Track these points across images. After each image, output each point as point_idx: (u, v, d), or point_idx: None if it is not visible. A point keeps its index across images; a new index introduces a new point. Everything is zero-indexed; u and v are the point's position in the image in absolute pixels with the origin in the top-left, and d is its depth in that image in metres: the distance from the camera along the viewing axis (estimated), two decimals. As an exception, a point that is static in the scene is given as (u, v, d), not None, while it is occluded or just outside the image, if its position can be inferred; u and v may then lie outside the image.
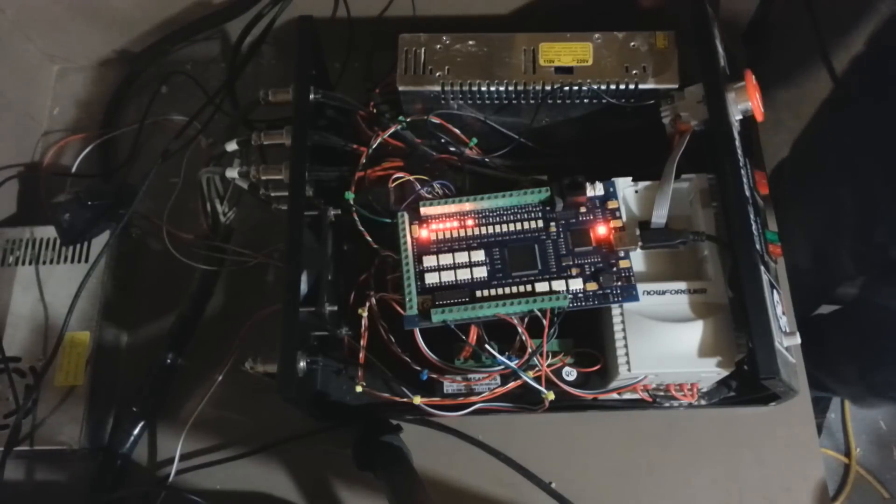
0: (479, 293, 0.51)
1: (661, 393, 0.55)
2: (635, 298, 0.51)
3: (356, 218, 0.55)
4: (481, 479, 0.62)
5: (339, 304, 0.56)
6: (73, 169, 0.76)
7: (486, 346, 0.52)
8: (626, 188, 0.55)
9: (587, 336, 0.55)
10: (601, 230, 0.53)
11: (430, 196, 0.56)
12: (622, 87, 0.57)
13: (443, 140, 0.60)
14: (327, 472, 0.63)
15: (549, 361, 0.53)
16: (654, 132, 0.58)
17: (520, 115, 0.61)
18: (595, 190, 0.54)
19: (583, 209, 0.54)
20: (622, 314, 0.51)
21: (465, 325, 0.52)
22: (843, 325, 0.91)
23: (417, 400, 0.52)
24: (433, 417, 0.59)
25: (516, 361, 0.51)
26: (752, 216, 0.52)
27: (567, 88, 0.58)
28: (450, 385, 0.55)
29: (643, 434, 0.63)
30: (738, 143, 0.54)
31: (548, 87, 0.58)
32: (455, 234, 0.54)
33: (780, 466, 0.62)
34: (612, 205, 0.54)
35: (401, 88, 0.59)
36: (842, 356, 0.90)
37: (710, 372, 0.51)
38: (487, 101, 0.60)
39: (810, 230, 0.81)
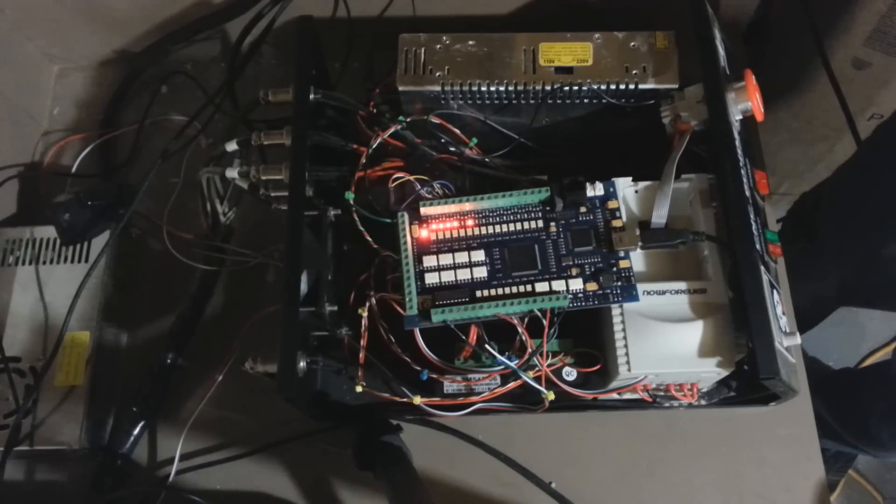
0: (479, 293, 0.51)
1: (661, 393, 0.55)
2: (635, 298, 0.51)
3: (356, 218, 0.55)
4: (481, 479, 0.62)
5: (339, 304, 0.56)
6: (73, 169, 0.76)
7: (486, 346, 0.52)
8: (626, 188, 0.55)
9: (587, 336, 0.55)
10: (601, 230, 0.53)
11: (430, 196, 0.56)
12: (622, 87, 0.57)
13: (443, 140, 0.60)
14: (327, 472, 0.63)
15: (549, 361, 0.53)
16: (654, 132, 0.58)
17: (520, 115, 0.61)
18: (595, 190, 0.54)
19: (583, 209, 0.54)
20: (622, 314, 0.51)
21: (465, 325, 0.52)
22: (879, 383, 0.90)
23: (417, 400, 0.52)
24: (433, 417, 0.59)
25: (516, 361, 0.51)
26: (752, 216, 0.52)
27: (567, 88, 0.58)
28: (450, 385, 0.55)
29: (643, 434, 0.63)
30: (738, 143, 0.54)
31: (548, 87, 0.58)
32: (455, 234, 0.54)
33: (780, 466, 0.62)
34: (612, 205, 0.54)
35: (401, 88, 0.59)
36: (877, 416, 0.88)
37: (710, 372, 0.51)
38: (487, 101, 0.60)
39: (843, 260, 0.78)
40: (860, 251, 0.74)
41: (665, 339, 0.50)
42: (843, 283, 0.81)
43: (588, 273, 0.52)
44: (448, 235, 0.54)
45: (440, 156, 0.59)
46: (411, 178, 0.56)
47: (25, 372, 0.65)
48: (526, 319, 0.52)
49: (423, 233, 0.54)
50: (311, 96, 0.58)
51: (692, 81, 0.56)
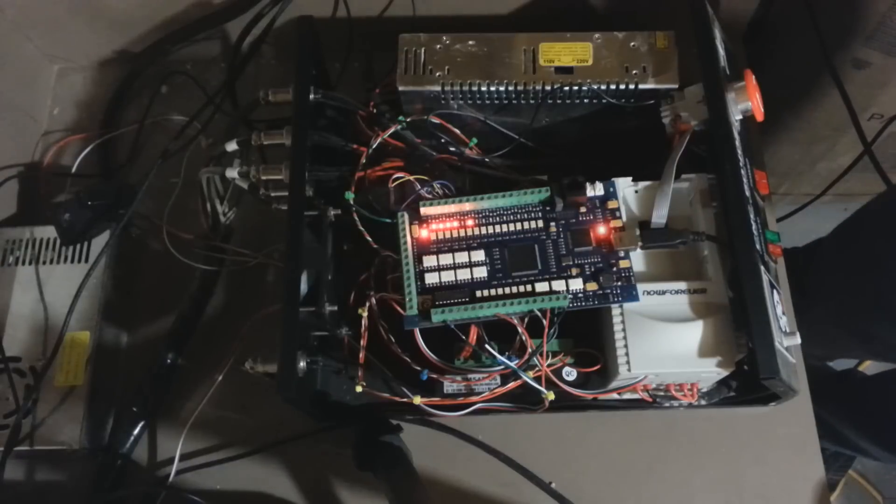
0: (479, 293, 0.51)
1: (661, 393, 0.55)
2: (635, 298, 0.51)
3: (356, 218, 0.55)
4: (481, 479, 0.62)
5: (339, 304, 0.56)
6: (73, 169, 0.76)
7: (486, 346, 0.52)
8: (626, 188, 0.55)
9: (587, 336, 0.55)
10: (601, 230, 0.53)
11: (430, 196, 0.56)
12: (622, 87, 0.57)
13: (443, 140, 0.60)
14: (327, 472, 0.63)
15: (549, 361, 0.53)
16: (654, 132, 0.58)
17: (520, 115, 0.61)
18: (595, 190, 0.54)
19: (583, 209, 0.54)
20: (622, 314, 0.51)
21: (465, 325, 0.52)
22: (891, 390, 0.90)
23: (417, 400, 0.52)
24: (433, 417, 0.59)
25: (516, 361, 0.51)
26: (752, 216, 0.52)
27: (567, 88, 0.58)
28: (450, 385, 0.55)
29: (643, 434, 0.63)
30: (738, 143, 0.54)
31: (548, 87, 0.58)
32: (455, 234, 0.54)
33: (780, 466, 0.62)
34: (612, 205, 0.54)
35: (401, 88, 0.59)
36: (889, 422, 0.88)
37: (710, 372, 0.51)
38: (487, 101, 0.60)
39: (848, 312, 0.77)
40: (855, 319, 0.74)
41: (665, 339, 0.50)
42: (832, 345, 0.82)
43: (588, 273, 0.52)
44: (448, 235, 0.54)
45: (440, 156, 0.59)
46: (411, 178, 0.56)
47: (25, 372, 0.65)
48: (526, 319, 0.52)
49: (423, 233, 0.54)
50: (311, 96, 0.58)
51: (692, 81, 0.56)
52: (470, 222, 0.54)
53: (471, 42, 0.59)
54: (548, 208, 0.54)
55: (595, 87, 0.57)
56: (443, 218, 0.54)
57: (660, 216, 0.53)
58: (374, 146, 0.58)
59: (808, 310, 0.65)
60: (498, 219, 0.54)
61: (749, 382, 0.53)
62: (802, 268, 0.74)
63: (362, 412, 0.59)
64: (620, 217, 0.53)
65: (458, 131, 0.60)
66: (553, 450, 0.63)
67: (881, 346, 0.73)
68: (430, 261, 0.53)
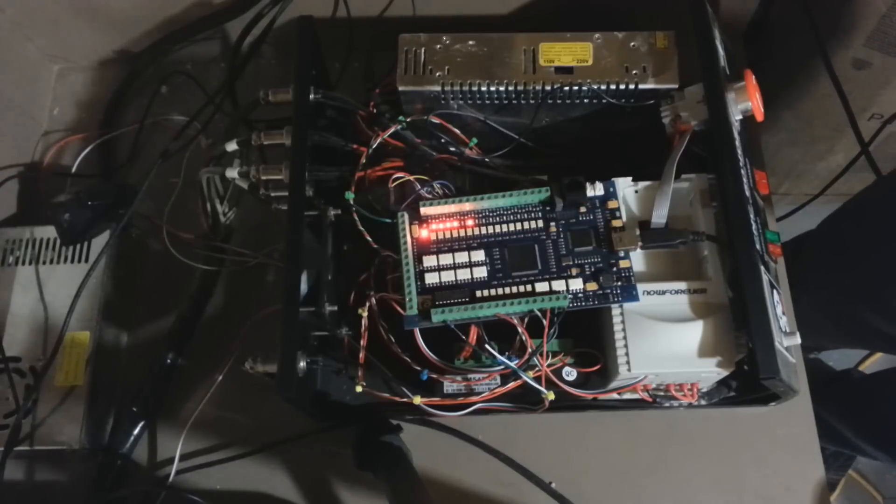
0: (479, 293, 0.52)
1: (661, 393, 0.55)
2: (635, 298, 0.51)
3: (356, 218, 0.55)
4: (481, 479, 0.62)
5: (339, 304, 0.56)
6: (73, 169, 0.76)
7: (486, 346, 0.52)
8: (626, 188, 0.55)
9: (587, 336, 0.55)
10: (601, 230, 0.53)
11: (430, 196, 0.56)
12: (622, 87, 0.57)
13: (443, 140, 0.60)
14: (327, 472, 0.63)
15: (549, 361, 0.53)
16: (654, 132, 0.58)
17: (520, 115, 0.61)
18: (595, 190, 0.54)
19: (583, 209, 0.54)
20: (622, 314, 0.51)
21: (465, 325, 0.52)
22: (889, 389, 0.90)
23: (417, 400, 0.53)
24: (433, 417, 0.59)
25: (516, 361, 0.51)
26: (752, 216, 0.52)
27: (567, 88, 0.58)
28: (450, 385, 0.55)
29: (643, 434, 0.63)
30: (738, 143, 0.54)
31: (548, 87, 0.58)
32: (455, 234, 0.54)
33: (780, 466, 0.62)
34: (612, 205, 0.54)
35: (401, 88, 0.59)
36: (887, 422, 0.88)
37: (710, 372, 0.51)
38: (487, 101, 0.60)
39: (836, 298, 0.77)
40: (842, 309, 0.74)
41: (665, 339, 0.50)
42: (820, 335, 0.82)
43: (588, 273, 0.52)
44: (448, 235, 0.54)
45: (440, 156, 0.59)
46: (411, 178, 0.56)
47: (25, 372, 0.65)
48: (526, 319, 0.52)
49: (423, 233, 0.54)
50: (311, 96, 0.58)
51: (692, 81, 0.56)
52: (470, 222, 0.54)
53: (471, 42, 0.59)
54: (548, 208, 0.54)
55: (595, 87, 0.58)
56: (443, 218, 0.54)
57: (660, 216, 0.53)
58: (374, 146, 0.58)
59: (796, 300, 0.66)
60: (498, 219, 0.54)
61: (749, 382, 0.53)
62: (790, 259, 0.74)
63: (362, 412, 0.59)
64: (620, 217, 0.53)
65: (458, 131, 0.60)
66: (553, 450, 0.63)
67: (868, 334, 0.74)
68: (430, 261, 0.53)
